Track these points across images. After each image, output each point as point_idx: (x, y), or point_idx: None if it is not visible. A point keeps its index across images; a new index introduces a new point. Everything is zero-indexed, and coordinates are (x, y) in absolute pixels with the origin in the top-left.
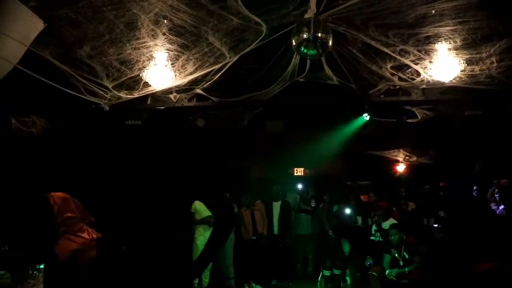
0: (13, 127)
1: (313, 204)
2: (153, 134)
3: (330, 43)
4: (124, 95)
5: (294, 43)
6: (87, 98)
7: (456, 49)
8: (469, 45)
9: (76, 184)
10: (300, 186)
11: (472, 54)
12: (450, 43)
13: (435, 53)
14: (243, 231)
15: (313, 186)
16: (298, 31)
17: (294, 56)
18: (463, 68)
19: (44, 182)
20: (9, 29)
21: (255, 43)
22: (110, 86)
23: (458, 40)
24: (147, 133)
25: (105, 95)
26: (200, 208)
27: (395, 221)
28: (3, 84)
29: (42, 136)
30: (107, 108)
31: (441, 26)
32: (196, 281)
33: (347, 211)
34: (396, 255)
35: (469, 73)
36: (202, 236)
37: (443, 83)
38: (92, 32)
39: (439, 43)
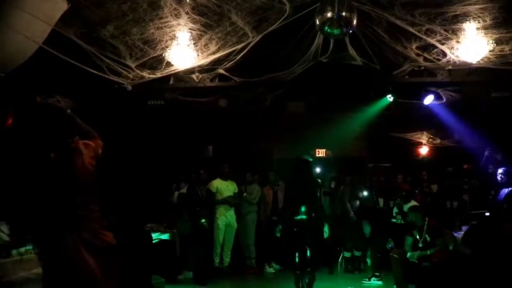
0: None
1: (332, 186)
2: (174, 114)
3: (354, 22)
4: (147, 74)
5: (317, 22)
6: (111, 78)
7: (485, 28)
8: (499, 24)
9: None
10: (318, 169)
11: (502, 33)
12: (479, 22)
13: (462, 32)
14: (262, 211)
15: (334, 167)
16: (322, 10)
17: (318, 36)
18: (491, 48)
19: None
20: (34, 9)
21: (278, 22)
22: (133, 66)
23: (487, 19)
24: (169, 113)
25: (128, 75)
26: (221, 187)
27: (416, 204)
28: (28, 64)
29: None
30: (130, 88)
31: (470, 5)
32: (217, 260)
33: (369, 192)
34: (418, 237)
35: (498, 53)
36: (223, 216)
37: (470, 63)
38: (115, 11)
39: (467, 22)
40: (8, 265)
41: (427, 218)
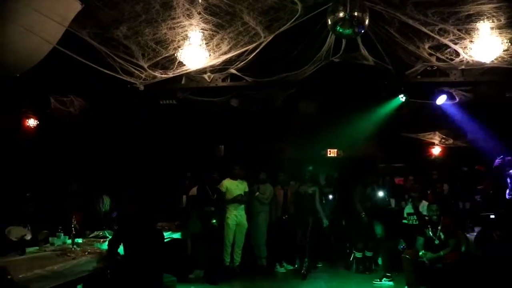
0: (52, 107)
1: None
2: (186, 114)
3: (367, 22)
4: (159, 74)
5: (329, 22)
6: (123, 77)
7: (499, 27)
8: None
9: (113, 162)
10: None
11: None
12: (493, 22)
13: (476, 32)
14: (273, 210)
15: (346, 167)
16: (333, 9)
17: (329, 36)
18: (506, 48)
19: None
20: (48, 10)
21: (290, 22)
22: (145, 66)
23: (502, 19)
24: (181, 113)
25: (140, 74)
26: (231, 187)
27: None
28: (43, 65)
29: (79, 115)
30: (142, 87)
31: (484, 4)
32: (228, 259)
33: (380, 193)
34: (431, 233)
35: None
36: (233, 215)
37: (484, 63)
38: (128, 12)
39: (481, 21)
40: (23, 262)
41: (442, 217)
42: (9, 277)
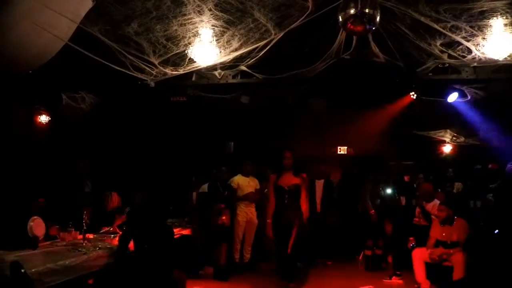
0: (63, 103)
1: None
2: (196, 111)
3: (378, 19)
4: (169, 71)
5: (340, 19)
6: (134, 74)
7: None
8: None
9: (122, 159)
10: None
11: None
12: (507, 18)
13: (489, 29)
14: None
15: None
16: (344, 6)
17: (340, 33)
18: None
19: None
20: (60, 7)
21: (300, 19)
22: (156, 63)
23: None
24: (191, 110)
25: (151, 71)
26: (243, 184)
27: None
28: (55, 61)
29: (90, 112)
30: (152, 84)
31: (498, 0)
32: (237, 256)
33: (390, 191)
34: (444, 234)
35: None
36: (243, 212)
37: (497, 60)
38: (139, 9)
39: (495, 18)
40: (36, 256)
41: (455, 217)
42: (22, 270)
